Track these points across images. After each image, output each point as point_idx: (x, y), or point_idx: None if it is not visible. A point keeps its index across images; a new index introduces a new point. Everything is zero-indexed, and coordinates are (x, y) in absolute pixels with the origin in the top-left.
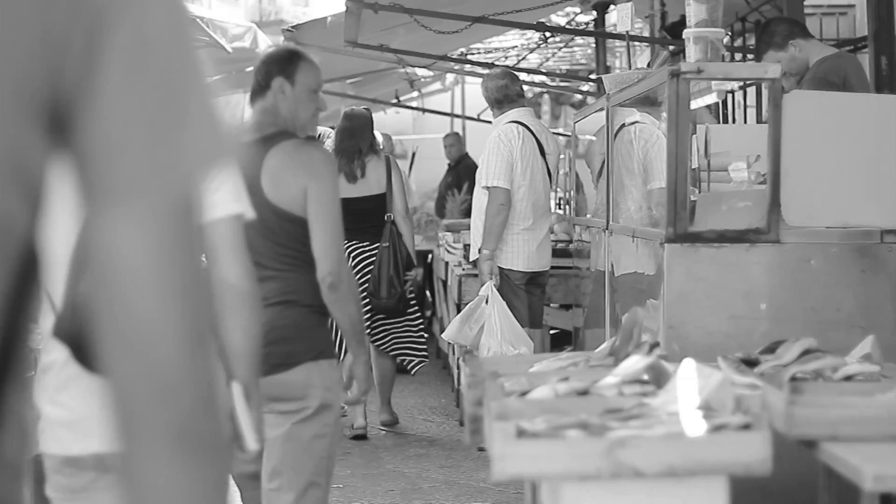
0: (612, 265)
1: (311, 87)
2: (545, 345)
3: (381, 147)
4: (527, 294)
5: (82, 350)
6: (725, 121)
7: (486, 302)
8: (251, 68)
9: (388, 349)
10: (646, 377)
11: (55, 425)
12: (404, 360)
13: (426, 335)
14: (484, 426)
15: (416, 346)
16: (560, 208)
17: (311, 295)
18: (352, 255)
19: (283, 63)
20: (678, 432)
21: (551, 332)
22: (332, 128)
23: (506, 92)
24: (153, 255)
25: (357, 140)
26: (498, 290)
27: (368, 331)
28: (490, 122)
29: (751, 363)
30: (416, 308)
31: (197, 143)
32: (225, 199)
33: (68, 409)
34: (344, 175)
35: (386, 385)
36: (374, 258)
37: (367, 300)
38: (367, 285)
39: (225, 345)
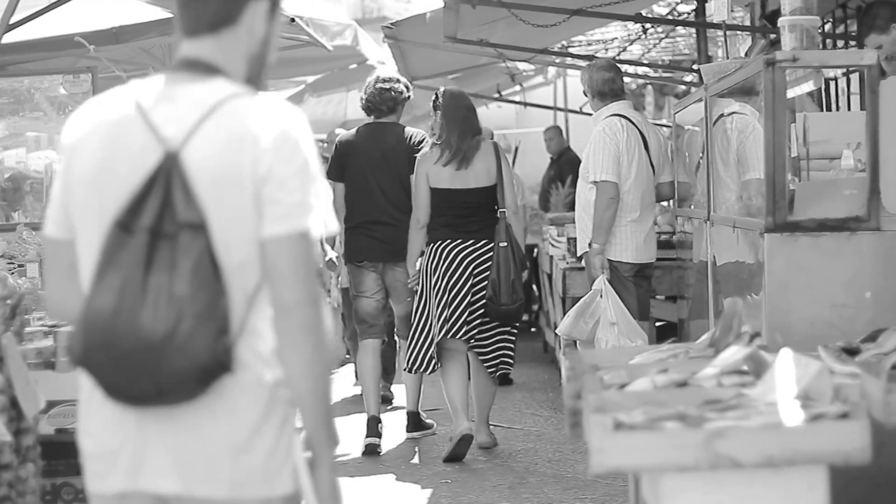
0: (714, 256)
1: None
2: (652, 337)
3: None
4: (634, 286)
5: (99, 369)
6: (829, 108)
7: (601, 296)
8: (353, 66)
9: (488, 360)
10: (745, 368)
11: (87, 458)
12: (496, 370)
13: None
14: (583, 419)
15: (510, 356)
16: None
17: None
18: (454, 255)
19: None
20: (776, 422)
21: (657, 324)
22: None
23: (612, 86)
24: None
25: (464, 122)
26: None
27: (471, 338)
28: (591, 114)
29: (852, 352)
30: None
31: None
32: (290, 214)
33: (93, 439)
34: (453, 159)
35: (486, 401)
36: (485, 260)
37: (484, 307)
38: (483, 291)
39: (288, 385)
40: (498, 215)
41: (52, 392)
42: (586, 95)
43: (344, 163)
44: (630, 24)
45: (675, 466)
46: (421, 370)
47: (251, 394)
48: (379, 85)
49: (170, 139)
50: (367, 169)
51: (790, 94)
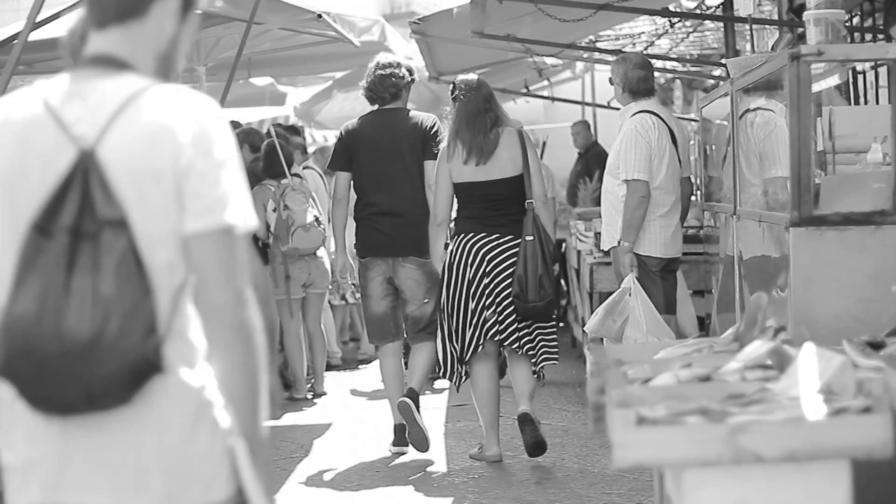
0: (741, 250)
1: None
2: (694, 328)
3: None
4: (661, 280)
5: (21, 377)
6: (857, 102)
7: (630, 294)
8: None
9: (531, 355)
10: (769, 362)
11: (7, 472)
12: (540, 368)
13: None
14: (606, 414)
15: (552, 350)
16: (692, 194)
17: None
18: (479, 250)
19: None
20: (798, 417)
21: None
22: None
23: (645, 84)
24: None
25: (482, 111)
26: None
27: (506, 338)
28: (618, 108)
29: (876, 346)
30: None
31: None
32: (212, 208)
33: (14, 453)
34: (470, 154)
35: (526, 387)
36: (512, 255)
37: (512, 304)
38: (509, 287)
39: (221, 390)
40: (526, 207)
41: None
42: (611, 83)
43: (351, 152)
44: (658, 19)
45: (698, 461)
46: (458, 381)
47: (180, 399)
48: (379, 72)
49: (82, 137)
50: (375, 158)
51: (817, 87)
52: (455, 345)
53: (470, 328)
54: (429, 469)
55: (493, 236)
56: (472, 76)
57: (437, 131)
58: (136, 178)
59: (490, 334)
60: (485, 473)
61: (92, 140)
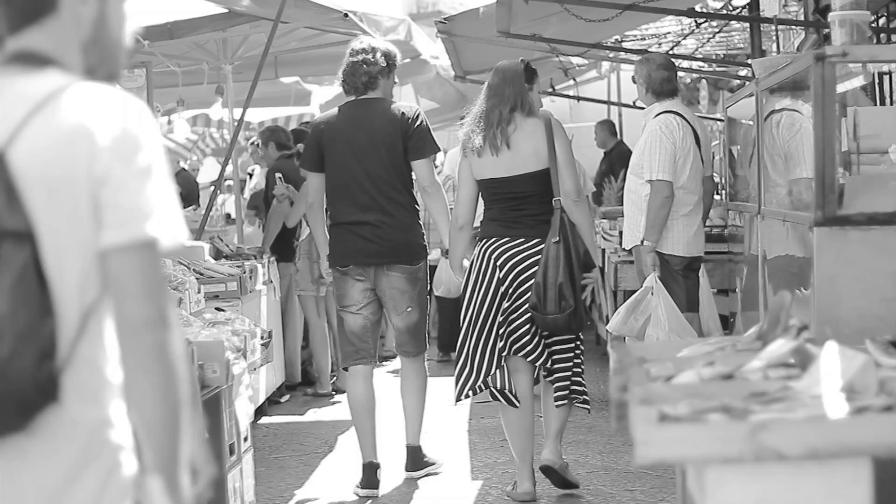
0: (765, 249)
1: None
2: (702, 330)
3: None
4: (684, 279)
5: None
6: (882, 102)
7: (652, 293)
8: (407, 60)
9: (556, 382)
10: (791, 361)
11: None
12: (563, 398)
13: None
14: (629, 411)
15: (580, 382)
16: (717, 193)
17: None
18: (500, 256)
19: None
20: (820, 415)
21: None
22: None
23: (669, 85)
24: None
25: (497, 101)
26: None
27: (526, 352)
28: (643, 107)
29: None
30: (589, 322)
31: None
32: (132, 220)
33: None
34: (485, 147)
35: (555, 424)
36: (536, 263)
37: (530, 315)
38: (527, 296)
39: (137, 419)
40: (554, 205)
41: None
42: (634, 83)
43: (323, 150)
44: (684, 19)
45: (719, 458)
46: (467, 395)
47: (71, 434)
48: (350, 59)
49: None
50: (351, 155)
51: (842, 88)
52: (475, 364)
53: (490, 347)
54: (452, 465)
55: (517, 241)
56: (509, 61)
57: (420, 124)
58: (48, 186)
59: (519, 353)
60: (509, 469)
61: (2, 142)
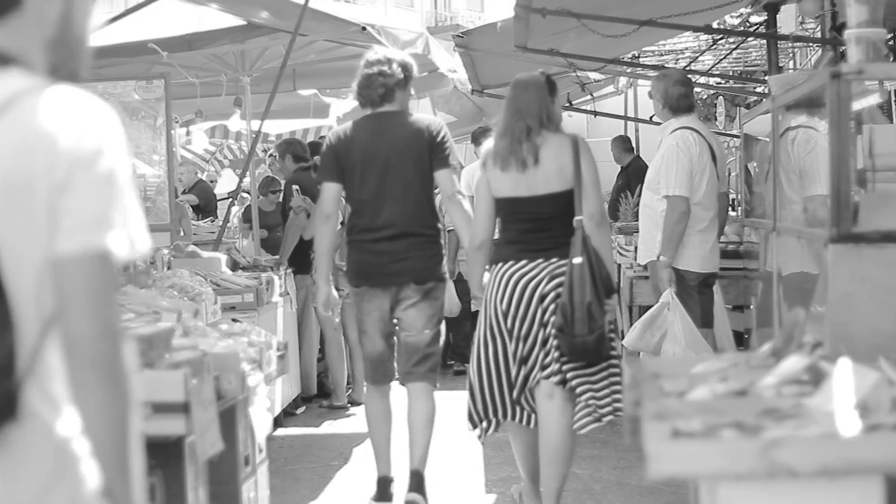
0: (780, 266)
1: None
2: (731, 343)
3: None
4: (699, 294)
5: None
6: None
7: (668, 309)
8: (424, 74)
9: (598, 402)
10: (805, 377)
11: None
12: (598, 419)
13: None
14: (642, 426)
15: (620, 401)
16: (733, 209)
17: None
18: (517, 281)
19: None
20: (833, 432)
21: None
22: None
23: (685, 101)
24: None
25: (523, 114)
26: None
27: (564, 379)
28: (660, 123)
29: None
30: (615, 350)
31: None
32: (86, 228)
33: None
34: (508, 163)
35: (561, 468)
36: (559, 285)
37: (556, 340)
38: (551, 318)
39: (86, 434)
40: (574, 225)
41: None
42: (651, 98)
43: (342, 161)
44: (701, 35)
45: (732, 474)
46: (483, 434)
47: (39, 448)
48: (366, 70)
49: None
50: (371, 169)
51: (858, 106)
52: (487, 394)
53: (505, 375)
54: (466, 479)
55: (536, 263)
56: (528, 73)
57: (444, 137)
58: (6, 192)
59: (543, 375)
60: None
61: None
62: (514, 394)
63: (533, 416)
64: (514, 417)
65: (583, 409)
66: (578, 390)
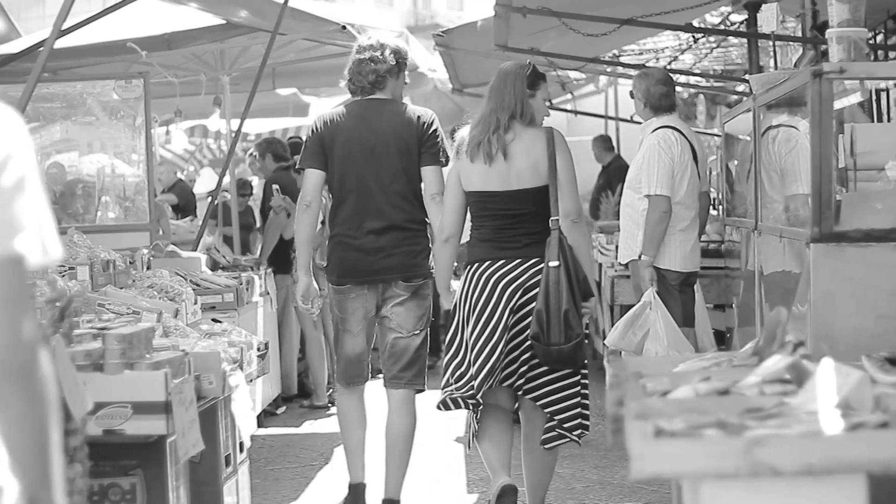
0: (761, 265)
1: None
2: (712, 343)
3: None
4: (680, 294)
5: None
6: (879, 119)
7: (650, 308)
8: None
9: (559, 417)
10: (787, 376)
11: None
12: (563, 435)
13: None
14: (625, 426)
15: (585, 414)
16: (714, 209)
17: None
18: (491, 281)
19: None
20: (816, 431)
21: None
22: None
23: (667, 101)
24: None
25: (498, 103)
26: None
27: (527, 388)
28: (641, 122)
29: (895, 362)
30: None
31: None
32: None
33: None
34: (477, 155)
35: (541, 478)
36: (534, 285)
37: (531, 347)
38: (522, 326)
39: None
40: (551, 225)
41: (100, 394)
42: (632, 97)
43: (326, 148)
44: (681, 34)
45: (715, 473)
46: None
47: None
48: (357, 56)
49: None
50: (359, 159)
51: (839, 104)
52: (461, 399)
53: (483, 379)
54: (446, 479)
55: (513, 263)
56: (513, 62)
57: (435, 131)
58: None
59: (506, 382)
60: None
61: None
62: (499, 360)
63: (520, 383)
64: (501, 383)
65: (548, 423)
66: (541, 403)
